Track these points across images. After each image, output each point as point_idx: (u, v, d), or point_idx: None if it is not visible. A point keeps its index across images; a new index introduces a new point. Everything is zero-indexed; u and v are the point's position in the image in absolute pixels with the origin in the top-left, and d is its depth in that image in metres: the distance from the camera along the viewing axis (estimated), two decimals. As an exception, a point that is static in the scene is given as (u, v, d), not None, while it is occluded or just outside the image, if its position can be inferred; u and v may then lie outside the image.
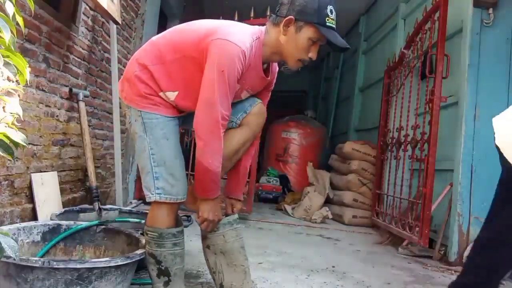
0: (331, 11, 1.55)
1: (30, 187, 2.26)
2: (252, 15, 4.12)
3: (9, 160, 2.01)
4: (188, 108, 1.65)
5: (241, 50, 1.51)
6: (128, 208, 2.79)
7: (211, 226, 1.67)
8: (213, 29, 1.55)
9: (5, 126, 1.10)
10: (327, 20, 1.55)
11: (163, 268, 1.63)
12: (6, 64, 1.06)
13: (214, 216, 1.64)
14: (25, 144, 1.12)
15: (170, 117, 1.64)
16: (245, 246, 1.75)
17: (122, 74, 1.77)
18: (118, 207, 2.74)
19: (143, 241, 1.75)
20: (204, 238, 1.75)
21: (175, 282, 1.66)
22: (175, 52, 1.59)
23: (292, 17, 1.55)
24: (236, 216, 1.77)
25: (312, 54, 1.61)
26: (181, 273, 1.69)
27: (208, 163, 1.53)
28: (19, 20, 1.09)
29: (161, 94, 1.62)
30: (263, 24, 1.68)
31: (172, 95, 1.61)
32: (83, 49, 2.80)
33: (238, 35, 1.53)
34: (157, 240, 1.62)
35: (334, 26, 1.57)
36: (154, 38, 1.71)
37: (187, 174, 4.63)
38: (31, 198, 2.27)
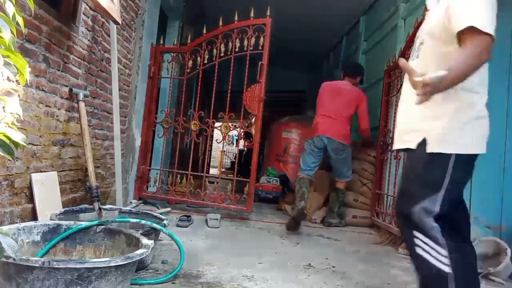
0: None
1: (30, 187, 2.26)
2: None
3: (9, 160, 2.01)
4: None
5: None
6: (128, 208, 2.79)
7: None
8: (357, 90, 4.27)
9: (5, 126, 1.09)
10: None
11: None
12: (6, 64, 1.06)
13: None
14: (25, 144, 1.12)
15: None
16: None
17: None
18: (118, 207, 2.74)
19: (144, 241, 1.75)
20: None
21: None
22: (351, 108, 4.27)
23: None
24: None
25: None
26: None
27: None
28: (19, 20, 1.09)
29: None
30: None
31: None
32: (83, 49, 2.80)
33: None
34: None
35: None
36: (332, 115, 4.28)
37: (186, 174, 4.63)
38: (31, 198, 2.27)
